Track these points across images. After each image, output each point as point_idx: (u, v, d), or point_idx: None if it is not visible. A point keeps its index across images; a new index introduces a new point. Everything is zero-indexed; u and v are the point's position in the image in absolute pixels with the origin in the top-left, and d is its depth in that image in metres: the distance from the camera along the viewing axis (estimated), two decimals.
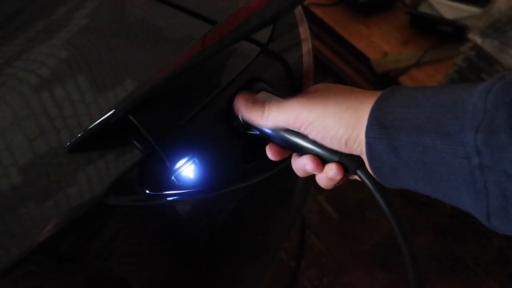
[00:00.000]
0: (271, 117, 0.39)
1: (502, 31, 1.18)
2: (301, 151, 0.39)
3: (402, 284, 1.24)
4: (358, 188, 0.38)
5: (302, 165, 0.38)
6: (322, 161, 0.38)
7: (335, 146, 0.36)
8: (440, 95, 0.30)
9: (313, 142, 0.37)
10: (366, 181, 0.36)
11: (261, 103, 0.40)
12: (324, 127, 0.35)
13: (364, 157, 0.35)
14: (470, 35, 1.25)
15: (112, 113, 0.37)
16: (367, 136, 0.33)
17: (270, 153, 0.41)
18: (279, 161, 0.42)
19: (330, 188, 0.39)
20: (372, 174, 0.36)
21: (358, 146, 0.34)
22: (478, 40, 1.22)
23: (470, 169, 0.28)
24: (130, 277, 0.52)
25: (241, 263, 0.69)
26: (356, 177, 0.38)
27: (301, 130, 0.37)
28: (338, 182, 0.38)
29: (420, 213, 1.40)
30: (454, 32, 1.50)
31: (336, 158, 0.37)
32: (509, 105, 0.26)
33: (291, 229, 1.08)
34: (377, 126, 0.32)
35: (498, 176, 0.27)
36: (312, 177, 0.40)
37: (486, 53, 1.21)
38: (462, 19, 1.49)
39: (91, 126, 0.38)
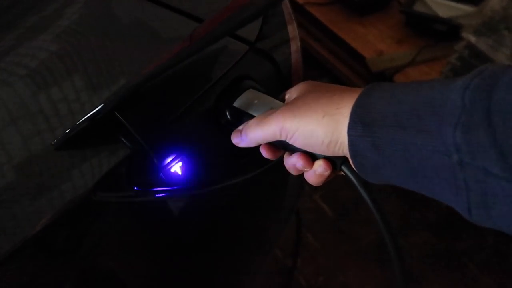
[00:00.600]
0: (257, 135, 0.39)
1: (496, 29, 1.18)
2: (289, 148, 0.39)
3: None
4: (353, 187, 0.38)
5: (293, 163, 0.39)
6: (311, 158, 0.38)
7: (318, 151, 0.37)
8: (420, 91, 0.30)
9: None
10: (350, 176, 0.37)
11: (245, 128, 0.40)
12: (305, 135, 0.36)
13: (348, 157, 0.35)
14: (464, 34, 1.25)
15: (98, 110, 0.37)
16: (349, 134, 0.33)
17: (264, 152, 0.42)
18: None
19: (319, 185, 0.40)
20: (356, 171, 0.36)
21: (339, 148, 0.35)
22: (472, 39, 1.22)
23: (451, 165, 0.28)
24: (122, 271, 0.52)
25: (234, 259, 0.69)
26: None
27: (287, 140, 0.38)
28: (326, 178, 0.39)
29: (415, 211, 1.41)
30: (449, 31, 1.50)
31: (322, 154, 0.37)
32: (486, 101, 0.26)
33: (286, 226, 1.08)
34: (359, 124, 0.32)
35: (477, 172, 0.27)
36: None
37: (479, 52, 1.22)
38: (456, 18, 1.49)
39: (77, 123, 0.38)
